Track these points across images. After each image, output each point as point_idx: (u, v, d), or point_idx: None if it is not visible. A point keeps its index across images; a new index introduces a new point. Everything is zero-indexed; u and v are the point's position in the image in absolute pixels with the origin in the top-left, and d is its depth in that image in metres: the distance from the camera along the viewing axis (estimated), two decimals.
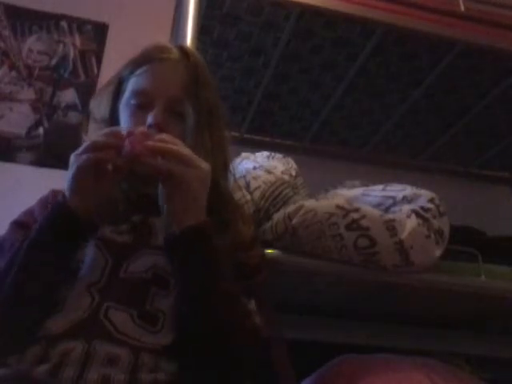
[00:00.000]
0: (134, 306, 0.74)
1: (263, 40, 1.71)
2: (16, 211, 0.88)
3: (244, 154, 1.37)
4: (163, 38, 1.64)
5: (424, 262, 1.17)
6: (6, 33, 1.79)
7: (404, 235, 1.12)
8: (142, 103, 0.85)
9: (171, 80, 0.87)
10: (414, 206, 1.18)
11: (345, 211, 1.13)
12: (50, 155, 1.69)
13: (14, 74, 1.76)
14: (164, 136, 0.74)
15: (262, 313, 0.78)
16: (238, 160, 1.34)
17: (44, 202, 0.88)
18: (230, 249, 0.80)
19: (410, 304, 1.42)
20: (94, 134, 0.79)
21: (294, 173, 1.31)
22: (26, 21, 1.81)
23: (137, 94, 0.86)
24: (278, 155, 1.36)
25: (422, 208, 1.18)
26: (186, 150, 0.74)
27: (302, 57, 1.79)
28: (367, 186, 1.33)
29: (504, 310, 1.46)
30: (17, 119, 1.72)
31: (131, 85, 0.88)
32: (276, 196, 1.23)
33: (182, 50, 0.93)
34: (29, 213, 0.87)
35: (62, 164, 0.75)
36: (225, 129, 0.93)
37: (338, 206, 1.14)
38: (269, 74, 1.87)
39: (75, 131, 1.70)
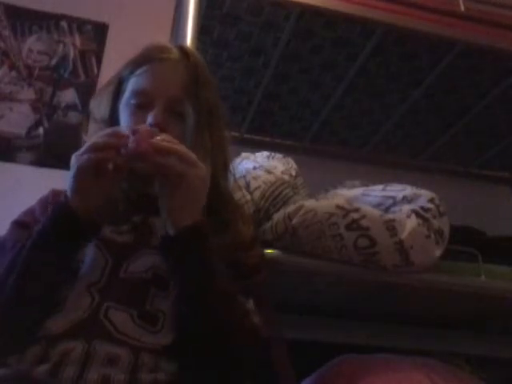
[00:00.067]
0: (134, 306, 0.74)
1: (263, 40, 1.71)
2: (16, 211, 0.89)
3: (244, 154, 1.37)
4: (163, 38, 1.64)
5: (424, 262, 1.17)
6: (6, 33, 1.79)
7: (404, 235, 1.12)
8: (142, 103, 0.85)
9: (171, 80, 0.87)
10: (414, 205, 1.18)
11: (345, 211, 1.13)
12: (50, 155, 1.69)
13: (14, 73, 1.76)
14: (165, 136, 0.75)
15: (261, 313, 0.78)
16: (237, 160, 1.34)
17: (44, 202, 0.88)
18: (230, 249, 0.80)
19: (410, 304, 1.42)
20: (94, 133, 0.79)
21: (294, 173, 1.31)
22: (26, 21, 1.81)
23: (137, 93, 0.86)
24: (278, 155, 1.36)
25: (422, 208, 1.18)
26: (188, 150, 0.74)
27: (302, 57, 1.79)
28: (367, 185, 1.33)
29: (504, 310, 1.46)
30: (17, 119, 1.72)
31: (131, 85, 0.88)
32: (276, 196, 1.23)
33: (182, 49, 0.93)
34: (29, 212, 0.87)
35: (62, 164, 0.76)
36: (225, 129, 0.93)
37: (337, 206, 1.14)
38: (269, 74, 1.87)
39: (75, 131, 1.70)
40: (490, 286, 1.29)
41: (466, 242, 1.34)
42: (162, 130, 0.79)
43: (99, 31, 1.86)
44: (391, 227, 1.12)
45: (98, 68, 1.82)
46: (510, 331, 1.64)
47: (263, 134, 2.25)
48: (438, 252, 1.18)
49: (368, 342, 1.52)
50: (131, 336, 0.71)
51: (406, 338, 1.57)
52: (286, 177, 1.27)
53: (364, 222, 1.12)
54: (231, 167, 1.02)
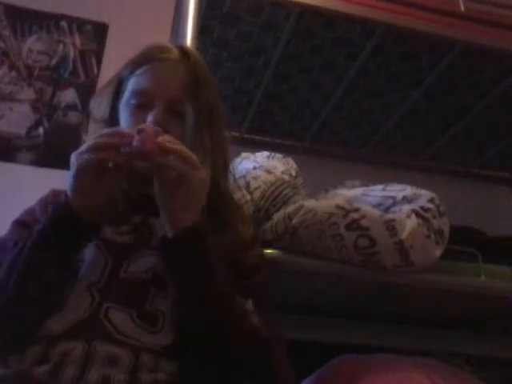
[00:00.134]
0: (134, 306, 0.74)
1: (263, 40, 1.71)
2: (16, 211, 0.89)
3: (244, 154, 1.37)
4: (163, 38, 1.64)
5: (424, 262, 1.17)
6: (6, 33, 1.79)
7: (404, 235, 1.12)
8: (142, 103, 0.85)
9: (171, 80, 0.87)
10: (414, 205, 1.18)
11: (345, 211, 1.13)
12: (50, 155, 1.69)
13: (14, 74, 1.76)
14: (167, 136, 0.74)
15: (261, 313, 0.78)
16: (238, 160, 1.34)
17: (44, 202, 0.88)
18: (230, 249, 0.80)
19: (410, 304, 1.42)
20: (94, 133, 0.78)
21: (294, 173, 1.31)
22: (26, 21, 1.81)
23: (137, 93, 0.86)
24: (278, 155, 1.36)
25: (422, 208, 1.18)
26: (190, 152, 0.73)
27: (302, 57, 1.79)
28: (367, 185, 1.33)
29: (504, 310, 1.46)
30: (17, 119, 1.72)
31: (131, 85, 0.88)
32: (276, 196, 1.23)
33: (182, 50, 0.93)
34: (30, 212, 0.87)
35: (62, 164, 0.76)
36: (225, 129, 0.93)
37: (337, 206, 1.14)
38: (269, 74, 1.87)
39: (75, 131, 1.70)
40: (489, 286, 1.29)
41: (466, 242, 1.34)
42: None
43: (99, 31, 1.86)
44: (391, 227, 1.12)
45: (98, 68, 1.82)
46: (510, 331, 1.64)
47: (263, 133, 2.25)
48: (437, 252, 1.18)
49: (368, 342, 1.52)
50: (131, 336, 0.71)
51: (405, 338, 1.57)
52: (286, 177, 1.27)
53: (364, 222, 1.12)
54: (231, 167, 1.02)
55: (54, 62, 1.80)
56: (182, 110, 0.85)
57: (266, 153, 1.37)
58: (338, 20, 1.60)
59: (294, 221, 1.13)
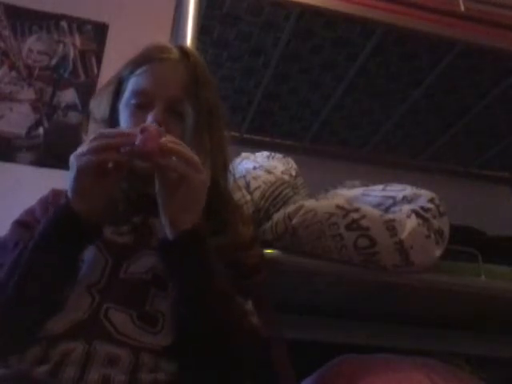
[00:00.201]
0: (134, 306, 0.74)
1: (263, 40, 1.71)
2: (16, 211, 0.88)
3: (244, 154, 1.37)
4: (163, 38, 1.64)
5: (424, 262, 1.17)
6: (6, 33, 1.79)
7: (404, 235, 1.12)
8: (142, 103, 0.85)
9: (171, 80, 0.86)
10: (414, 205, 1.18)
11: (345, 211, 1.13)
12: (50, 155, 1.69)
13: (14, 74, 1.76)
14: (170, 137, 0.74)
15: (261, 313, 0.78)
16: (238, 160, 1.34)
17: (44, 202, 0.88)
18: (230, 249, 0.80)
19: (410, 304, 1.42)
20: (93, 133, 0.78)
21: (294, 173, 1.31)
22: (26, 21, 1.81)
23: (137, 93, 0.86)
24: (278, 155, 1.36)
25: (422, 208, 1.18)
26: (193, 154, 0.73)
27: (302, 57, 1.79)
28: (367, 186, 1.33)
29: (504, 310, 1.45)
30: (17, 119, 1.72)
31: (131, 85, 0.87)
32: (276, 196, 1.23)
33: (182, 50, 0.93)
34: (30, 212, 0.87)
35: (62, 164, 0.75)
36: (224, 129, 0.92)
37: (338, 206, 1.14)
38: (269, 74, 1.87)
39: (75, 131, 1.70)
40: (490, 286, 1.29)
41: (466, 242, 1.34)
42: None
43: (99, 31, 1.86)
44: (391, 227, 1.12)
45: (98, 68, 1.82)
46: (510, 331, 1.64)
47: (263, 134, 2.25)
48: (438, 252, 1.18)
49: (368, 342, 1.52)
50: (131, 336, 0.71)
51: (406, 338, 1.57)
52: (286, 177, 1.27)
53: (364, 222, 1.12)
54: (231, 167, 1.02)
55: (54, 62, 1.80)
56: (182, 110, 0.85)
57: (266, 153, 1.37)
58: (338, 20, 1.60)
59: (294, 221, 1.13)
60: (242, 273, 0.80)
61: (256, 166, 1.29)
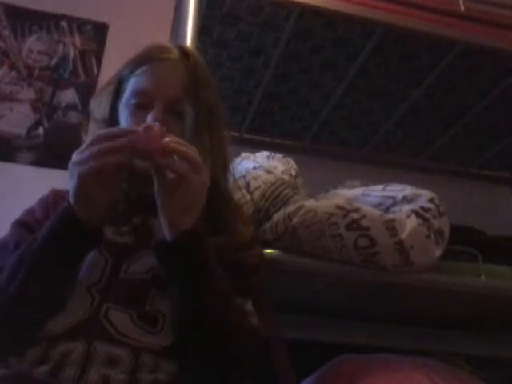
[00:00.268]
0: (134, 306, 0.74)
1: (263, 40, 1.71)
2: (16, 211, 0.88)
3: (244, 154, 1.37)
4: (163, 38, 1.64)
5: (424, 262, 1.17)
6: (6, 33, 1.79)
7: (404, 235, 1.12)
8: (142, 103, 0.85)
9: (171, 80, 0.86)
10: (414, 206, 1.18)
11: (345, 211, 1.13)
12: (50, 155, 1.69)
13: (14, 74, 1.76)
14: (172, 137, 0.73)
15: (260, 313, 0.78)
16: (238, 160, 1.34)
17: (44, 202, 0.88)
18: (229, 249, 0.80)
19: (410, 304, 1.42)
20: (93, 134, 0.77)
21: (294, 173, 1.31)
22: (26, 21, 1.81)
23: (137, 93, 0.86)
24: (278, 155, 1.36)
25: (422, 208, 1.18)
26: (196, 154, 0.72)
27: (302, 57, 1.79)
28: (367, 185, 1.33)
29: (504, 310, 1.45)
30: (17, 119, 1.72)
31: (131, 85, 0.87)
32: (276, 196, 1.23)
33: (182, 50, 0.93)
34: (30, 212, 0.87)
35: (62, 164, 0.74)
36: (224, 129, 0.92)
37: (338, 206, 1.14)
38: (269, 74, 1.87)
39: (75, 131, 1.70)
40: (489, 286, 1.29)
41: (466, 242, 1.34)
42: None
43: (99, 31, 1.86)
44: (391, 227, 1.12)
45: (98, 68, 1.82)
46: (510, 331, 1.64)
47: (263, 134, 2.25)
48: (438, 252, 1.18)
49: (368, 342, 1.52)
50: (131, 337, 0.71)
51: (406, 338, 1.57)
52: (286, 177, 1.27)
53: (364, 222, 1.12)
54: (231, 167, 1.02)
55: (54, 62, 1.80)
56: (182, 109, 0.85)
57: (266, 153, 1.37)
58: (338, 20, 1.60)
59: (294, 221, 1.13)
60: (241, 273, 0.80)
61: (256, 166, 1.29)
